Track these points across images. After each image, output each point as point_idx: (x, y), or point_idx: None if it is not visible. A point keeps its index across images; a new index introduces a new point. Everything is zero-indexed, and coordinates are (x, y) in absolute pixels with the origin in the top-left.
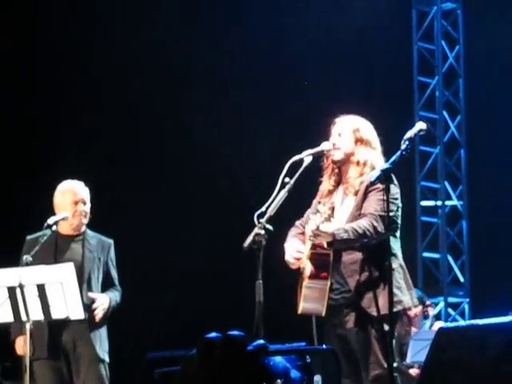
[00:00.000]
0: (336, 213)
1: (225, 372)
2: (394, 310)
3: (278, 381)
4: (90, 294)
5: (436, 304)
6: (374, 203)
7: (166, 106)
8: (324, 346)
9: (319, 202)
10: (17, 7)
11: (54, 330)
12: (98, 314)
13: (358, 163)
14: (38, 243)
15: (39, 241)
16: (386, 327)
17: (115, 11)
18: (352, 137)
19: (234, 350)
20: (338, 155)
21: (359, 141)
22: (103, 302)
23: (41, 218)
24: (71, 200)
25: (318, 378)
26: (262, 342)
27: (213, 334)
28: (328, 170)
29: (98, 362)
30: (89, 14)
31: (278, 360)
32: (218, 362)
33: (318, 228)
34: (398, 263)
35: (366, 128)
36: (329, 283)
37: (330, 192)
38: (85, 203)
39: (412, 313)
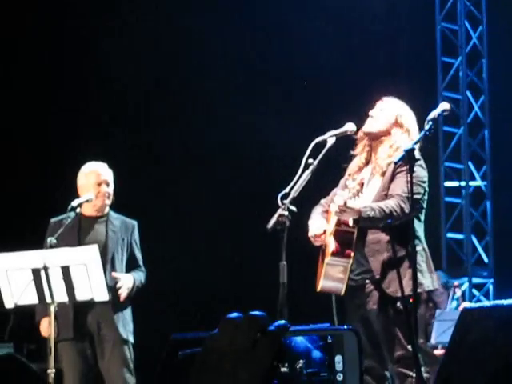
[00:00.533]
0: (362, 191)
1: (246, 352)
2: None
3: (300, 361)
4: (114, 274)
5: (460, 285)
6: (401, 184)
7: (189, 91)
8: (345, 326)
9: (348, 178)
10: None
11: (78, 312)
12: (122, 293)
13: (390, 146)
14: (62, 225)
15: (63, 223)
16: (408, 308)
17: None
18: (392, 118)
19: (256, 330)
20: (370, 127)
21: (398, 125)
22: (127, 281)
23: (63, 200)
24: (95, 181)
25: (338, 358)
26: (283, 322)
27: (234, 314)
28: (360, 145)
29: (122, 344)
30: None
31: (300, 340)
32: (239, 341)
33: (345, 203)
34: (421, 246)
35: (410, 117)
36: (351, 262)
37: (360, 169)
38: (108, 184)
39: (438, 299)
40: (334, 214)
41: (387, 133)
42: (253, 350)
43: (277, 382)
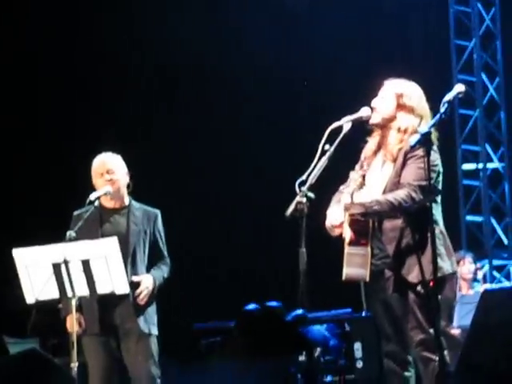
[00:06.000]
0: (374, 178)
1: (264, 342)
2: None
3: (317, 349)
4: (134, 278)
5: (482, 267)
6: (412, 171)
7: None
8: (363, 314)
9: (353, 169)
10: None
11: (102, 306)
12: (144, 298)
13: (398, 129)
14: (81, 219)
15: (82, 216)
16: (429, 292)
17: None
18: (394, 101)
19: (273, 321)
20: (374, 118)
21: (402, 107)
22: (148, 284)
23: (84, 193)
24: (98, 172)
25: (358, 345)
26: (300, 311)
27: (251, 306)
28: (374, 131)
29: (147, 337)
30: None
31: (317, 329)
32: (257, 333)
33: (351, 199)
34: (438, 229)
35: (412, 94)
36: (369, 249)
37: (374, 153)
38: (112, 172)
39: None
40: (343, 209)
41: (393, 118)
42: (271, 341)
43: (294, 370)
